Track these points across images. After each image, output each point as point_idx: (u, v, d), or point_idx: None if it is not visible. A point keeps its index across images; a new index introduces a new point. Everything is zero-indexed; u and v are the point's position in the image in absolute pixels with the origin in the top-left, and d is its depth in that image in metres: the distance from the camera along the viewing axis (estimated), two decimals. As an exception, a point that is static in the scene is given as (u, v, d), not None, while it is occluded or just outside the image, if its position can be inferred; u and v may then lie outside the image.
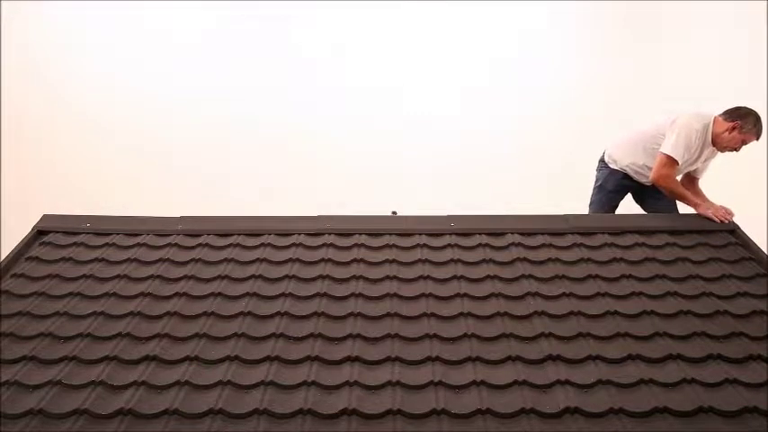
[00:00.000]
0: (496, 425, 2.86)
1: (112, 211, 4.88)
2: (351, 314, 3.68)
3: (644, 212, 5.26)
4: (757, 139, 4.86)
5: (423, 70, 10.16)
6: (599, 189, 5.30)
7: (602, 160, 5.35)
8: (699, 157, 4.97)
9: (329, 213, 4.79)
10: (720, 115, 4.89)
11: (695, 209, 4.83)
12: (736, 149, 4.92)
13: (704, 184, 5.22)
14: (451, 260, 4.25)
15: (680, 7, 9.48)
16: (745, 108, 4.85)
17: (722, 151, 4.97)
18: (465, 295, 3.85)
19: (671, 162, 4.87)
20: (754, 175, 8.07)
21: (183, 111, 10.19)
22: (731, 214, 4.68)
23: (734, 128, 4.81)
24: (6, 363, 3.26)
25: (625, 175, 5.19)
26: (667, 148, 4.87)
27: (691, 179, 5.17)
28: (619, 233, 4.56)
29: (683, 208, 5.19)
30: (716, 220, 4.64)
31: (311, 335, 3.49)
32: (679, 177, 5.11)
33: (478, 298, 3.83)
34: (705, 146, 4.94)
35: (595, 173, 5.40)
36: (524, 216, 4.76)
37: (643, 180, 5.14)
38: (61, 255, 4.33)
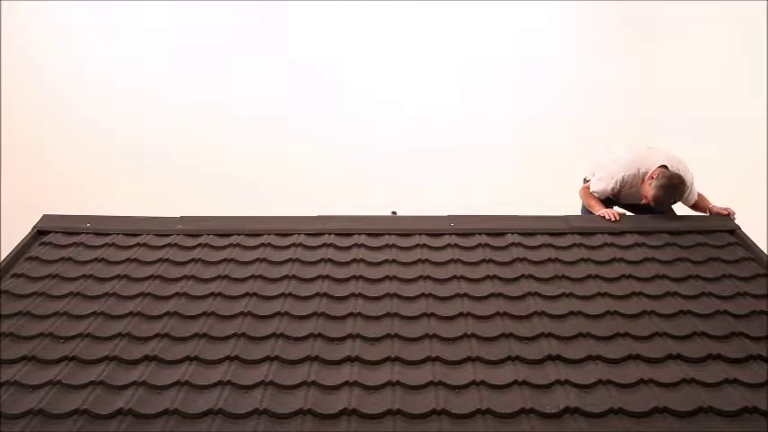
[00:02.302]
0: (496, 425, 2.86)
1: (112, 211, 4.89)
2: (351, 314, 3.68)
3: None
4: (654, 201, 4.75)
5: (423, 70, 10.16)
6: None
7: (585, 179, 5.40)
8: (639, 192, 4.93)
9: (329, 213, 4.79)
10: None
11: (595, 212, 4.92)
12: (641, 202, 4.88)
13: (706, 183, 5.17)
14: (451, 260, 4.25)
15: (680, 7, 9.47)
16: (671, 175, 4.74)
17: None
18: (465, 295, 3.85)
19: (589, 190, 5.06)
20: (754, 175, 8.07)
21: (183, 111, 10.18)
22: (618, 214, 4.76)
23: (652, 177, 4.79)
24: (6, 363, 3.26)
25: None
26: (592, 181, 5.06)
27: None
28: (619, 233, 4.56)
29: (682, 209, 5.19)
30: (607, 218, 4.74)
31: (311, 335, 3.49)
32: None
33: (478, 298, 3.83)
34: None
35: None
36: (524, 216, 4.76)
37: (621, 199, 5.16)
38: (61, 255, 4.33)
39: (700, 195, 5.07)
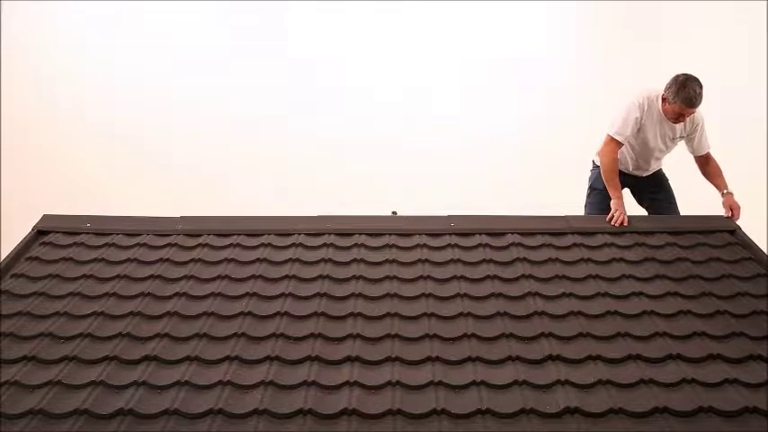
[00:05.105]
0: (496, 425, 2.86)
1: (112, 211, 4.89)
2: (351, 314, 3.68)
3: (644, 212, 5.26)
4: (689, 106, 4.62)
5: (423, 70, 10.16)
6: (590, 190, 5.28)
7: (593, 161, 5.34)
8: (654, 131, 4.85)
9: (329, 213, 4.79)
10: None
11: (612, 199, 4.80)
12: (679, 121, 4.77)
13: (706, 184, 5.14)
14: (451, 260, 4.25)
15: (680, 7, 9.47)
16: (676, 76, 4.64)
17: (674, 123, 4.81)
18: (465, 295, 3.85)
19: (608, 139, 4.89)
20: (754, 175, 8.07)
21: (183, 111, 10.18)
22: (623, 222, 4.63)
23: (664, 100, 4.73)
24: (6, 363, 3.26)
25: None
26: (607, 125, 4.89)
27: (699, 159, 5.04)
28: (619, 233, 4.56)
29: (683, 207, 5.19)
30: (613, 222, 4.64)
31: (311, 335, 3.49)
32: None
33: (478, 298, 3.83)
34: (658, 120, 4.82)
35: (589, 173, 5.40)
36: (524, 216, 4.76)
37: (630, 170, 5.10)
38: (61, 255, 4.33)
39: (714, 161, 4.96)
